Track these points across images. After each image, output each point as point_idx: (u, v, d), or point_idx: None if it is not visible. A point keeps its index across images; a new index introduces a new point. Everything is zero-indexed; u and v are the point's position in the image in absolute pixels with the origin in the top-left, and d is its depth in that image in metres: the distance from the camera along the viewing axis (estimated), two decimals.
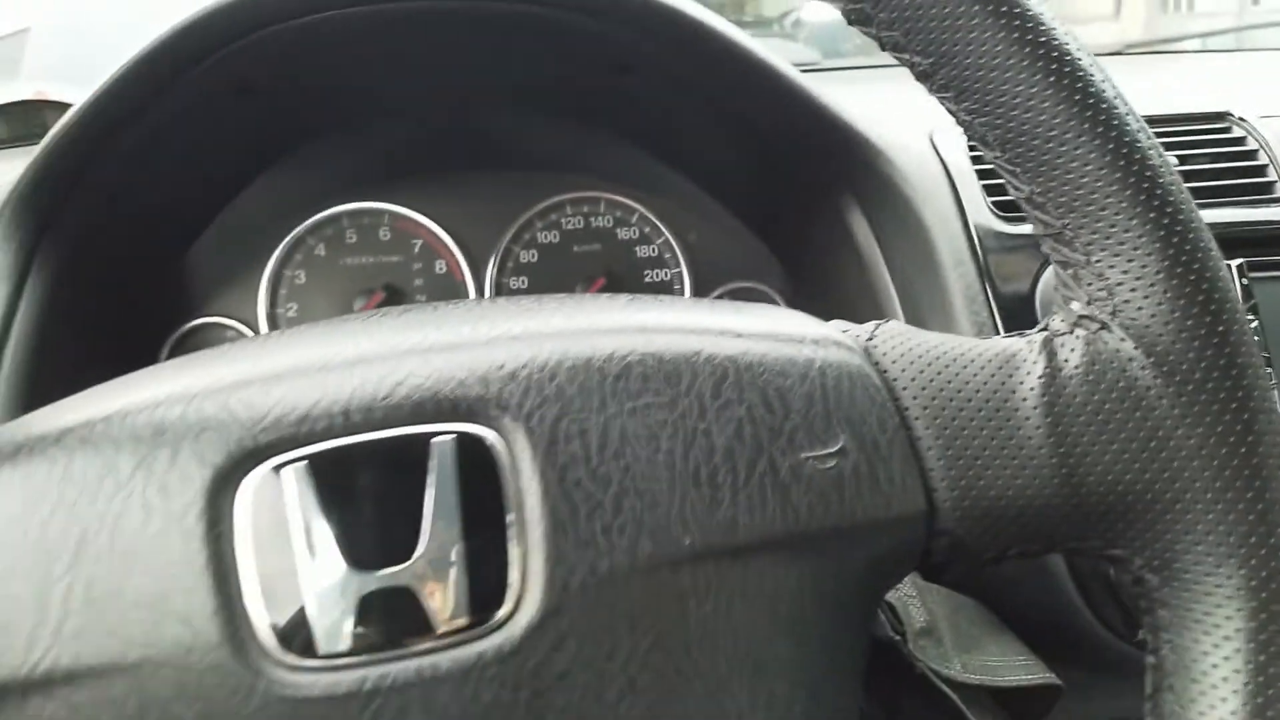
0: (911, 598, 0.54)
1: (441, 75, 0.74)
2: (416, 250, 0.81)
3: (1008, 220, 0.64)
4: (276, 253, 0.79)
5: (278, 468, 0.30)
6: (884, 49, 0.35)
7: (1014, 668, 0.54)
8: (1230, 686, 0.31)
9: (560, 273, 0.81)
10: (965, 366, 0.34)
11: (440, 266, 0.81)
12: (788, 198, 0.74)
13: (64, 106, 0.98)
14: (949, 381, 0.34)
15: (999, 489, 0.33)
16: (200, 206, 0.78)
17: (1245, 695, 0.31)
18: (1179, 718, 0.32)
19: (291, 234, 0.79)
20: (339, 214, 0.80)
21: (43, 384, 0.62)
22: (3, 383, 0.60)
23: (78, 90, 1.01)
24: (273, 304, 0.79)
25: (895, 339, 0.35)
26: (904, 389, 0.34)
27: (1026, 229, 0.63)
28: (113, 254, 0.70)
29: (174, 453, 0.30)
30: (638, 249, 0.82)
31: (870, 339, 0.36)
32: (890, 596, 0.53)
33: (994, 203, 0.64)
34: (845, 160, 0.65)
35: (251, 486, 0.30)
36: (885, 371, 0.34)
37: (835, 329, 0.36)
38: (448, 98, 0.77)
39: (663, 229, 0.81)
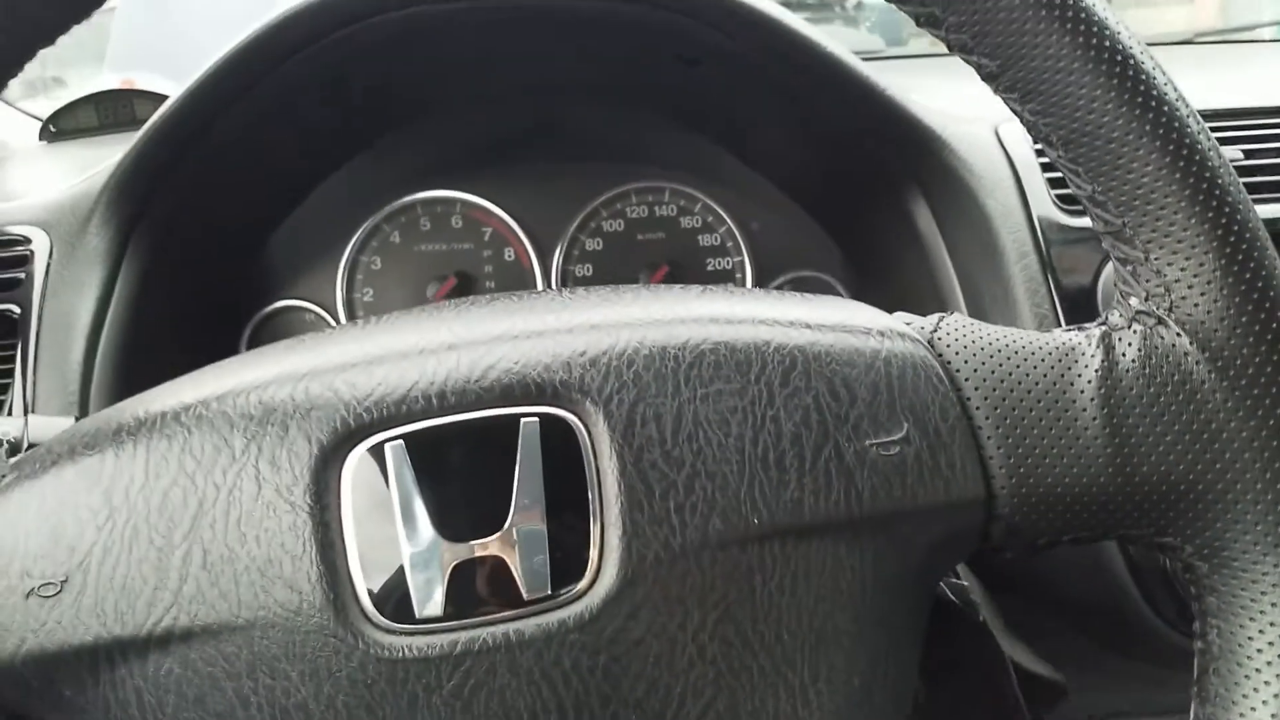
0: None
1: (517, 69, 0.76)
2: (486, 238, 0.83)
3: (1071, 213, 0.64)
4: (354, 239, 0.82)
5: (378, 445, 0.32)
6: (952, 51, 0.36)
7: (1028, 661, 0.55)
8: (1275, 671, 0.32)
9: (624, 261, 0.83)
10: (1025, 359, 0.35)
11: (509, 254, 0.84)
12: (851, 188, 0.75)
13: (151, 95, 1.03)
14: (1009, 373, 0.35)
15: (1055, 477, 0.34)
16: (284, 195, 0.81)
17: None
18: (1224, 701, 0.33)
19: (368, 222, 0.82)
20: (413, 202, 0.83)
21: (138, 358, 0.65)
22: (101, 355, 0.63)
23: (162, 80, 1.06)
24: (349, 289, 0.82)
25: (957, 331, 0.37)
26: (965, 379, 0.35)
27: (1090, 222, 0.63)
28: (201, 238, 0.74)
29: (283, 430, 0.32)
30: (700, 237, 0.83)
31: (934, 331, 0.37)
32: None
33: (1058, 195, 0.65)
34: (910, 151, 0.66)
35: (354, 462, 0.32)
36: (948, 363, 0.36)
37: (900, 321, 0.37)
38: (521, 90, 0.79)
39: (725, 218, 0.82)
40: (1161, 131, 0.33)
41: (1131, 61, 0.33)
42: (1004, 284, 0.63)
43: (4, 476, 0.35)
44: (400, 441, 0.32)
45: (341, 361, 0.34)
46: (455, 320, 0.36)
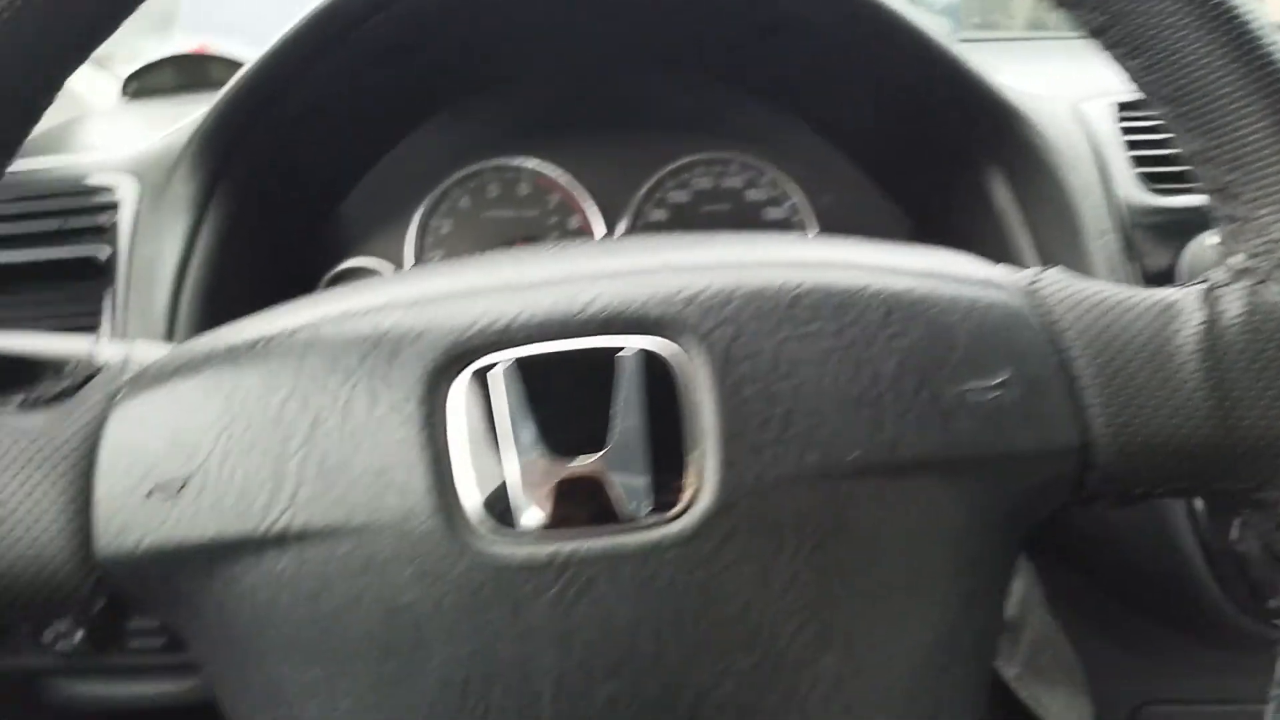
0: (1014, 590, 0.54)
1: (589, 36, 0.77)
2: (552, 206, 0.84)
3: (1155, 192, 0.64)
4: (425, 203, 0.83)
5: (485, 369, 0.33)
6: (1058, 7, 0.37)
7: (1064, 718, 0.55)
8: None
9: (689, 232, 0.83)
10: (1126, 311, 0.36)
11: (574, 222, 0.84)
12: (928, 162, 0.75)
13: (225, 60, 1.05)
14: (1109, 325, 0.35)
15: (1154, 427, 0.34)
16: (358, 157, 0.82)
17: None
18: None
19: (439, 186, 0.83)
20: (483, 169, 0.84)
21: (219, 304, 0.67)
22: (186, 300, 0.65)
23: (235, 44, 1.08)
24: (420, 251, 0.83)
25: (1058, 284, 0.37)
26: (1065, 330, 0.35)
27: (1174, 202, 0.63)
28: (280, 194, 0.75)
29: (394, 352, 0.33)
30: (767, 210, 0.84)
31: (1033, 282, 0.37)
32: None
33: (1141, 174, 0.64)
34: (991, 126, 0.66)
35: (463, 382, 0.33)
36: (1048, 313, 0.36)
37: (1000, 271, 0.38)
38: (592, 58, 0.80)
39: (794, 191, 0.83)
40: (1270, 88, 0.33)
41: (1242, 17, 0.33)
42: (1083, 263, 0.62)
43: (120, 389, 0.36)
44: (507, 365, 0.33)
45: (449, 291, 0.35)
46: (555, 260, 0.37)
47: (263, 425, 0.33)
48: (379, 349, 0.34)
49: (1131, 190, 0.64)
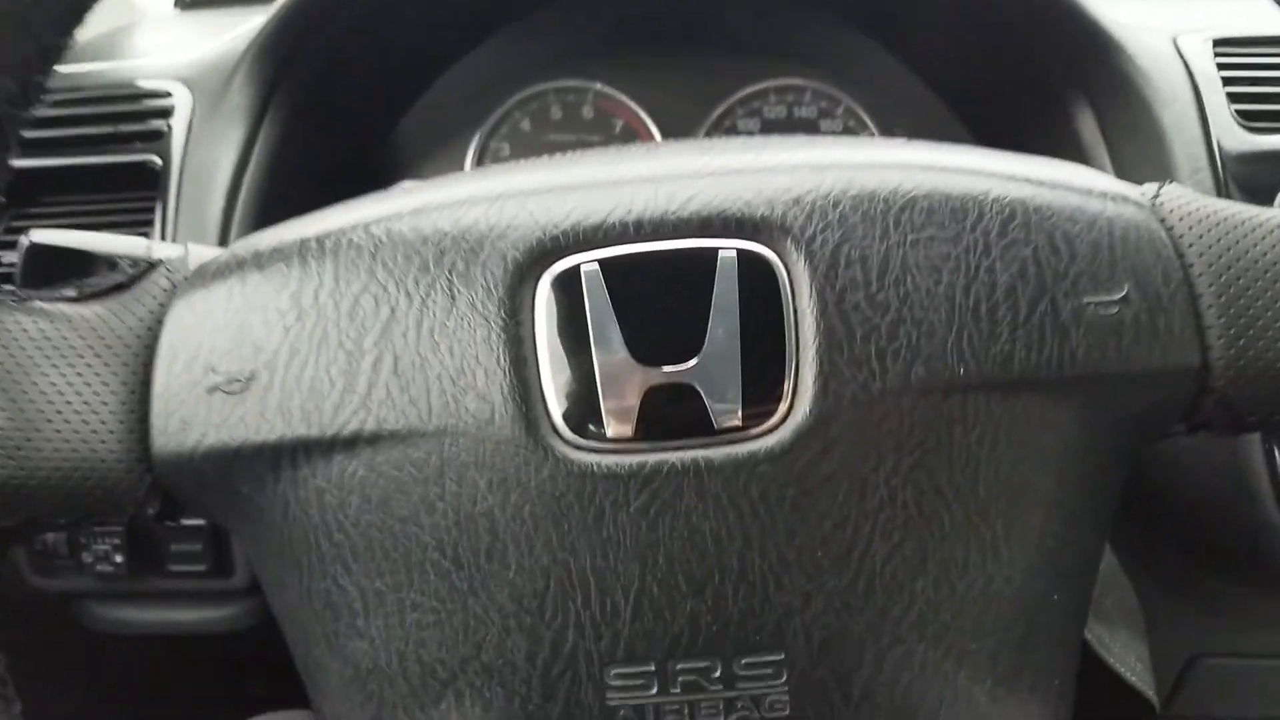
0: None
1: None
2: (617, 130, 0.82)
3: (1253, 131, 0.60)
4: (485, 125, 0.81)
5: (574, 268, 0.31)
6: None
7: (1125, 663, 0.53)
8: None
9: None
10: (1252, 230, 0.33)
11: None
12: (1012, 91, 0.71)
13: None
14: (1236, 243, 0.33)
15: (1277, 351, 0.32)
16: (416, 75, 0.80)
17: None
18: None
19: (500, 108, 0.81)
20: (546, 90, 0.81)
21: (273, 218, 0.65)
22: (240, 211, 0.64)
23: None
24: None
25: (1181, 199, 0.35)
26: (1189, 246, 0.33)
27: (1272, 142, 0.60)
28: (335, 113, 0.73)
29: (478, 247, 0.32)
30: None
31: (1156, 196, 0.35)
32: None
33: (1238, 111, 0.61)
34: (1082, 54, 0.63)
35: (549, 282, 0.31)
36: (1171, 228, 0.34)
37: (1122, 184, 0.35)
38: None
39: (869, 122, 0.79)
40: None
41: None
42: None
43: (182, 282, 0.35)
44: (596, 265, 0.31)
45: (536, 187, 0.33)
46: (650, 157, 0.35)
47: (335, 321, 0.32)
48: (460, 244, 0.32)
49: (1227, 129, 0.60)
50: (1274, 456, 0.55)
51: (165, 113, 0.66)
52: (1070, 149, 0.66)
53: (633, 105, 0.81)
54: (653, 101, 0.81)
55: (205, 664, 0.85)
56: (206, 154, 0.64)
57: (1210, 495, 0.57)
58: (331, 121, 0.74)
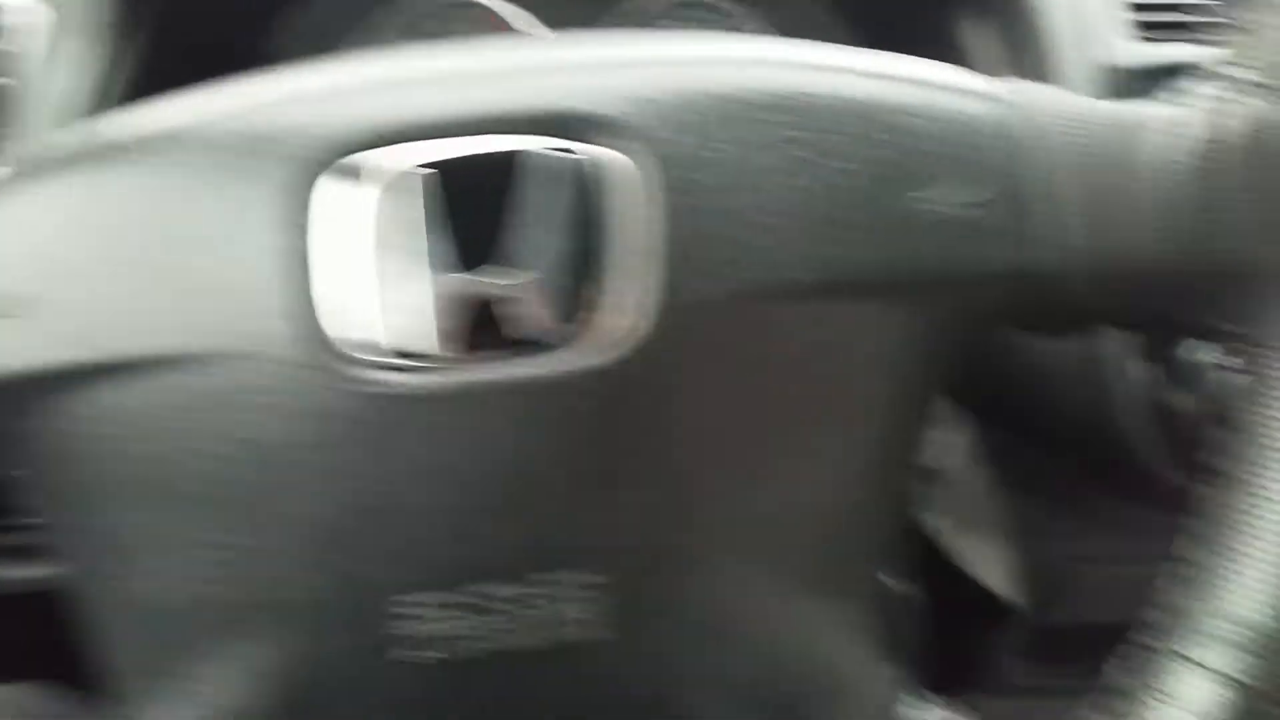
0: (941, 440, 0.52)
1: None
2: None
3: (1147, 41, 0.59)
4: (363, 37, 0.78)
5: (376, 170, 0.29)
6: None
7: (991, 574, 0.53)
8: None
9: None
10: (1117, 127, 0.33)
11: None
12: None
13: None
14: (1096, 140, 0.32)
15: (1136, 252, 0.32)
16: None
17: None
18: (1254, 486, 0.31)
19: (380, 19, 0.78)
20: (424, 5, 0.78)
21: None
22: None
23: None
24: None
25: (1045, 94, 0.34)
26: (1049, 144, 0.32)
27: (1163, 52, 0.59)
28: (200, 32, 0.70)
29: (258, 149, 0.29)
30: None
31: (1016, 92, 0.34)
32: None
33: (1132, 21, 0.60)
34: None
35: (345, 186, 0.29)
36: (1033, 125, 0.33)
37: (984, 81, 0.35)
38: None
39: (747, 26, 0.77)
40: None
41: None
42: None
43: None
44: (398, 168, 0.29)
45: (332, 85, 0.31)
46: (484, 50, 0.33)
47: (104, 239, 0.30)
48: (242, 148, 0.30)
49: (1117, 38, 0.59)
50: (1136, 364, 0.56)
51: (15, 30, 0.63)
52: (949, 56, 0.65)
53: (517, 21, 0.78)
54: (536, 14, 0.78)
55: None
56: (63, 77, 0.61)
57: (1075, 404, 0.57)
58: (199, 36, 0.70)
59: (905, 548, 0.45)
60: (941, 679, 0.64)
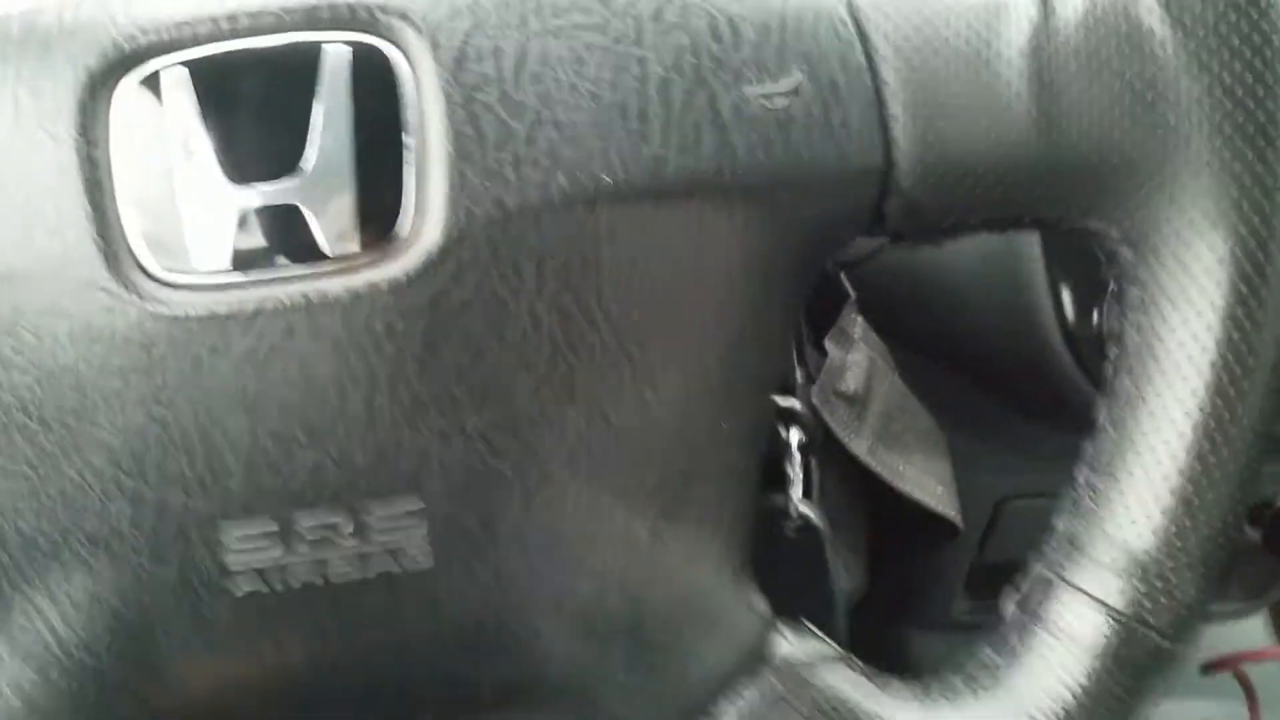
0: (856, 363, 0.50)
1: None
2: None
3: None
4: None
5: (156, 73, 0.27)
6: None
7: (924, 488, 0.51)
8: (1194, 364, 0.28)
9: None
10: (949, 11, 0.30)
11: None
12: None
13: None
14: (927, 21, 0.30)
15: (969, 144, 0.29)
16: None
17: (1211, 372, 0.28)
18: (1134, 400, 0.30)
19: None
20: None
21: None
22: None
23: None
24: None
25: None
26: (874, 27, 0.30)
27: None
28: None
29: (45, 52, 0.27)
30: None
31: None
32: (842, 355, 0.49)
33: None
34: None
35: (128, 91, 0.27)
36: (854, 7, 0.30)
37: None
38: None
39: None
40: None
41: None
42: None
43: None
44: (180, 67, 0.27)
45: None
46: None
47: None
48: (25, 50, 0.27)
49: None
50: (1059, 287, 0.54)
51: None
52: None
53: None
54: None
55: None
56: None
57: (1000, 331, 0.56)
58: None
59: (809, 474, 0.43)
60: (880, 611, 0.62)
